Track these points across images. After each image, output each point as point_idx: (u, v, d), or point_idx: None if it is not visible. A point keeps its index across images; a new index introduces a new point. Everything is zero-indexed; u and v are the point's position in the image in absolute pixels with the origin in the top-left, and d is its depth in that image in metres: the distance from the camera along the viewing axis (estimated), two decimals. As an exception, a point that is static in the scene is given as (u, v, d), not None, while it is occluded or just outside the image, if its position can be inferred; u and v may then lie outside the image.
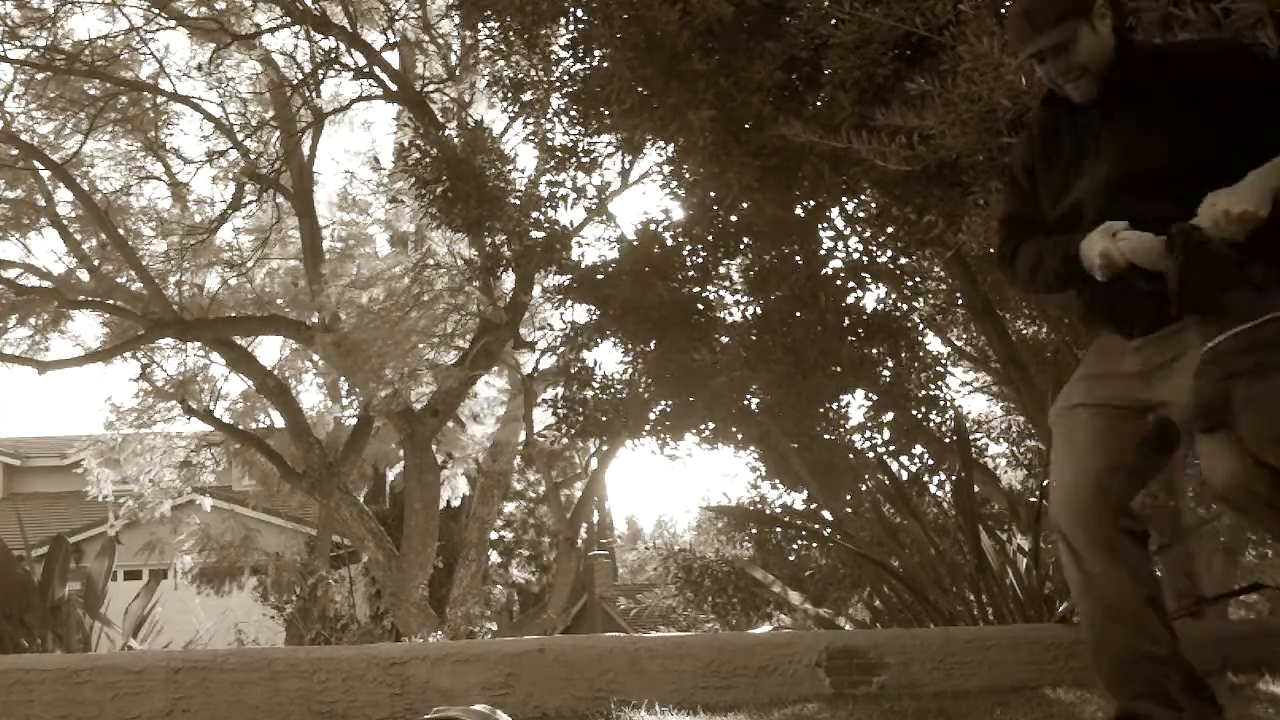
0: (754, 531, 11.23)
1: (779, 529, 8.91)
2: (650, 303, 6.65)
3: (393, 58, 14.13)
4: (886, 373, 7.15)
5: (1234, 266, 2.14)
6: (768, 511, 9.56)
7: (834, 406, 7.23)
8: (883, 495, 6.27)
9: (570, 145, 6.63)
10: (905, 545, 5.33)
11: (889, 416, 7.18)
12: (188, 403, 15.55)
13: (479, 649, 4.01)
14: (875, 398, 7.16)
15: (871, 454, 7.07)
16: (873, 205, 6.19)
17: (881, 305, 7.42)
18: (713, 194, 6.41)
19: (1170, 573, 6.07)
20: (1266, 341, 2.10)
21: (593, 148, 6.62)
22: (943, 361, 7.89)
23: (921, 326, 7.76)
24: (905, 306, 7.62)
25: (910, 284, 7.87)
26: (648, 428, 7.35)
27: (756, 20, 5.05)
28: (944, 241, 4.68)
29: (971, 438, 8.06)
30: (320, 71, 13.86)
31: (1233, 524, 6.82)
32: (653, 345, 6.96)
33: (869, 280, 7.00)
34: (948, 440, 7.23)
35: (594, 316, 7.02)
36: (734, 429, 7.24)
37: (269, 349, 21.94)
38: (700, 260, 6.98)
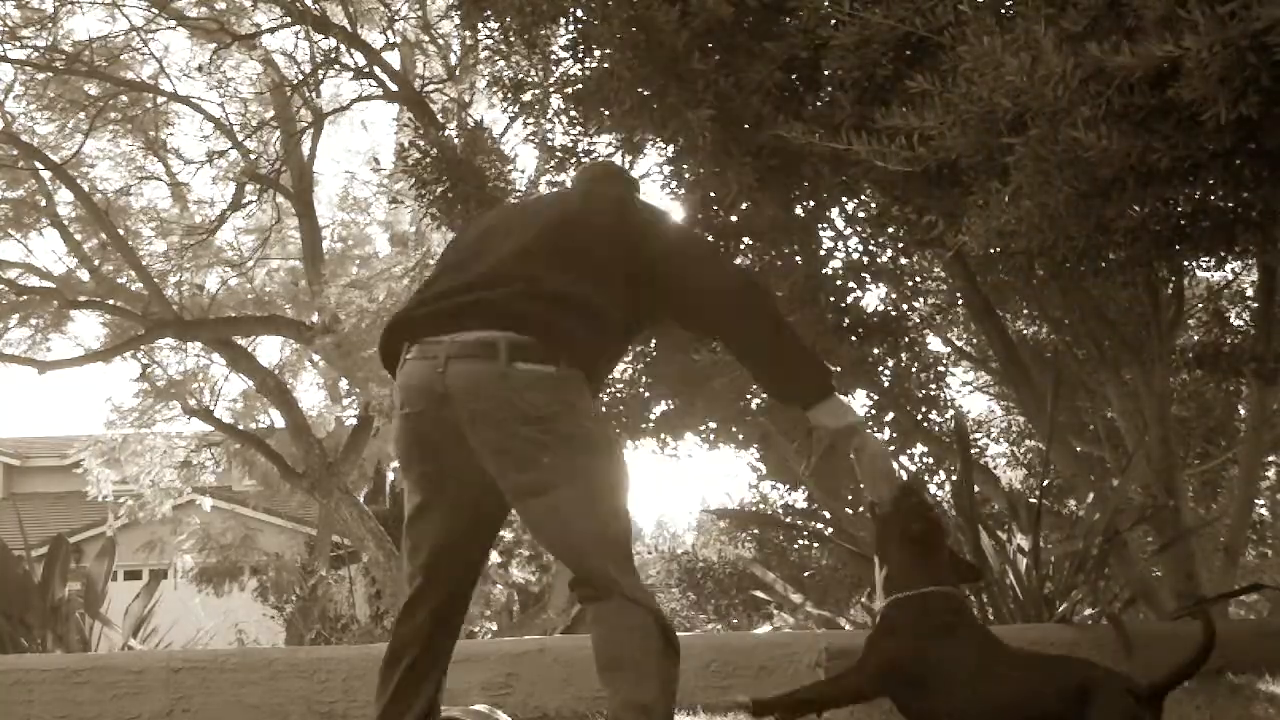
0: (755, 532, 11.25)
1: (780, 529, 8.90)
2: (650, 303, 6.65)
3: (393, 58, 14.14)
4: (886, 373, 7.15)
5: None
6: (769, 511, 9.55)
7: (834, 406, 7.22)
8: (883, 495, 6.26)
9: (570, 145, 6.62)
10: (905, 545, 5.33)
11: (889, 416, 7.18)
12: (187, 402, 15.55)
13: (479, 649, 4.02)
14: (875, 398, 7.16)
15: (871, 454, 7.06)
16: (873, 205, 6.18)
17: (881, 305, 7.42)
18: (713, 194, 6.40)
19: (1170, 573, 6.07)
20: None
21: (593, 148, 6.61)
22: (943, 361, 7.89)
23: (922, 326, 7.76)
24: (905, 306, 7.61)
25: (910, 284, 7.87)
26: (647, 428, 7.35)
27: (756, 21, 5.04)
28: (944, 241, 4.67)
29: (971, 438, 8.06)
30: (320, 71, 13.85)
31: (1233, 524, 6.82)
32: (653, 345, 6.95)
33: (869, 280, 7.00)
34: (948, 440, 7.23)
35: (594, 316, 7.01)
36: (734, 429, 7.23)
37: (269, 349, 21.94)
38: (700, 260, 6.97)
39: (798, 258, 6.86)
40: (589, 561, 2.13)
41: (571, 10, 5.47)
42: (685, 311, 2.40)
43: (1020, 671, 2.03)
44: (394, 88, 13.80)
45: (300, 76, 14.00)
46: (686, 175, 6.46)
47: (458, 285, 2.29)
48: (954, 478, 7.05)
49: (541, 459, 2.11)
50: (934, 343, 8.15)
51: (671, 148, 5.94)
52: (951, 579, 2.19)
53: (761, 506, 10.19)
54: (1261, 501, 10.26)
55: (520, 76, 6.68)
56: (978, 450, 9.58)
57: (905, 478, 2.27)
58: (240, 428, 16.62)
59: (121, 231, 14.80)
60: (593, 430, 2.19)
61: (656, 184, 6.93)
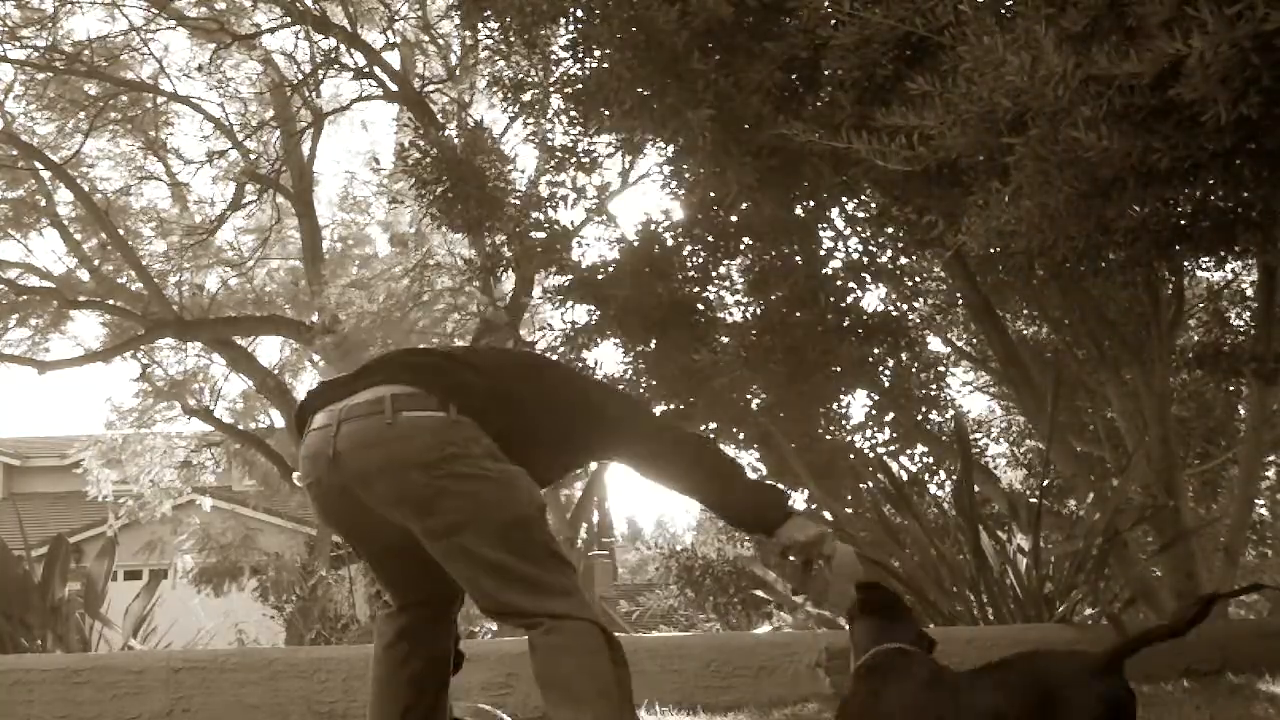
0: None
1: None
2: (650, 303, 6.65)
3: (393, 58, 14.15)
4: (886, 373, 7.14)
5: None
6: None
7: (834, 406, 7.23)
8: (883, 495, 6.27)
9: (570, 145, 6.62)
10: (905, 545, 5.33)
11: (889, 416, 7.18)
12: (187, 402, 15.55)
13: (479, 649, 4.01)
14: (875, 398, 7.16)
15: (871, 454, 7.07)
16: (873, 205, 6.18)
17: (881, 305, 7.42)
18: (713, 194, 6.40)
19: (1170, 573, 6.07)
20: None
21: (593, 148, 6.61)
22: (943, 361, 7.89)
23: (922, 326, 7.76)
24: (905, 306, 7.61)
25: (910, 284, 7.87)
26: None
27: (756, 20, 5.04)
28: (944, 241, 4.68)
29: (971, 438, 8.06)
30: (320, 71, 13.87)
31: (1233, 524, 6.82)
32: (653, 345, 6.95)
33: (869, 280, 7.00)
34: (948, 440, 7.23)
35: (594, 317, 7.01)
36: (734, 429, 7.23)
37: (269, 349, 21.95)
38: (700, 260, 6.97)
39: (798, 258, 6.86)
40: (505, 597, 2.12)
41: (571, 10, 5.47)
42: (643, 471, 2.40)
43: (976, 697, 2.02)
44: (394, 88, 13.81)
45: (300, 76, 14.02)
46: (686, 175, 6.46)
47: (360, 365, 2.34)
48: (954, 478, 7.05)
49: (440, 502, 2.08)
50: (934, 343, 8.15)
51: (671, 148, 5.94)
52: (914, 641, 2.21)
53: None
54: (1261, 501, 10.26)
55: (520, 76, 6.68)
56: (978, 450, 9.58)
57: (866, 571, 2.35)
58: (240, 428, 16.62)
59: (121, 231, 14.82)
60: (492, 468, 2.14)
61: (656, 184, 6.94)
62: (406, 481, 2.09)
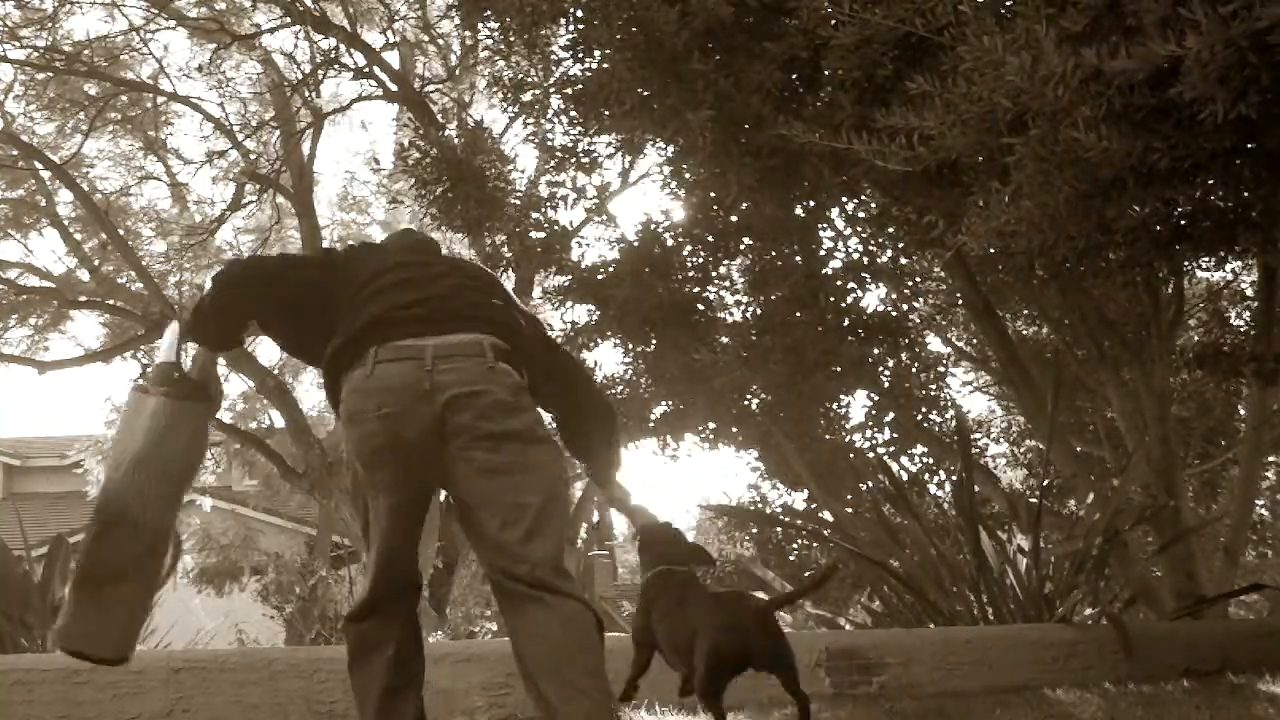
0: (754, 531, 11.25)
1: (779, 529, 8.91)
2: (650, 303, 6.65)
3: (393, 58, 14.13)
4: (886, 373, 7.15)
5: None
6: (768, 511, 9.55)
7: (834, 406, 7.24)
8: (883, 495, 6.27)
9: (570, 145, 6.63)
10: (905, 545, 5.33)
11: (889, 416, 7.18)
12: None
13: (479, 649, 4.01)
14: (875, 398, 7.16)
15: (871, 454, 7.08)
16: (873, 205, 6.19)
17: (881, 305, 7.43)
18: (713, 194, 6.41)
19: (1170, 573, 6.07)
20: None
21: (593, 148, 6.62)
22: (943, 361, 7.90)
23: (922, 326, 7.77)
24: (905, 306, 7.62)
25: (910, 284, 7.88)
26: (648, 428, 7.35)
27: (756, 21, 5.05)
28: (944, 242, 4.68)
29: (971, 438, 8.06)
30: (320, 71, 13.85)
31: (1233, 524, 6.82)
32: (653, 345, 6.96)
33: (869, 280, 7.00)
34: (948, 440, 7.23)
35: (594, 317, 7.02)
36: (734, 429, 7.24)
37: (269, 349, 21.94)
38: (700, 260, 6.98)
39: (798, 258, 6.86)
40: (535, 545, 2.25)
41: (571, 10, 5.47)
42: (560, 416, 2.74)
43: (691, 613, 2.68)
44: (394, 88, 13.80)
45: (300, 76, 14.00)
46: (686, 175, 6.47)
47: (427, 297, 2.44)
48: (954, 478, 7.05)
49: (506, 444, 2.29)
50: (934, 343, 8.17)
51: (671, 148, 5.94)
52: (687, 561, 2.83)
53: (759, 506, 10.20)
54: (1261, 501, 10.27)
55: (520, 76, 6.69)
56: (978, 450, 9.59)
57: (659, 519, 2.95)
58: (240, 428, 16.61)
59: (121, 231, 14.80)
60: (550, 436, 2.41)
61: (656, 184, 6.95)
62: (489, 418, 2.29)
